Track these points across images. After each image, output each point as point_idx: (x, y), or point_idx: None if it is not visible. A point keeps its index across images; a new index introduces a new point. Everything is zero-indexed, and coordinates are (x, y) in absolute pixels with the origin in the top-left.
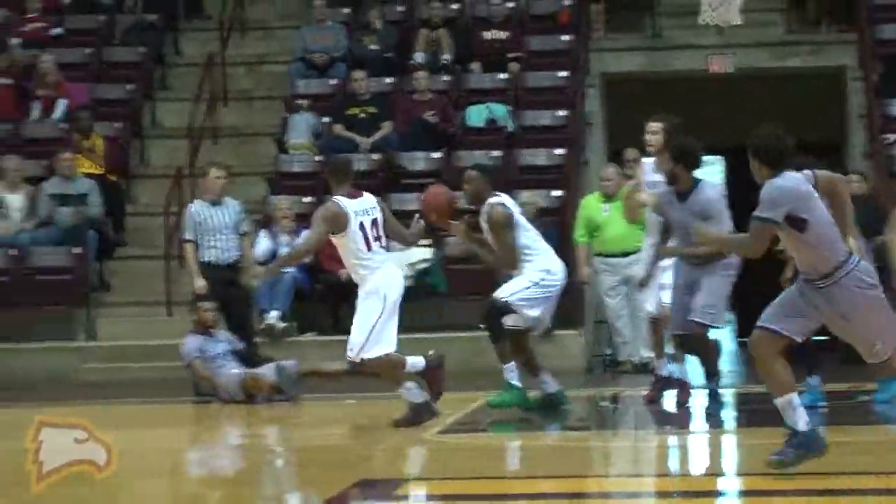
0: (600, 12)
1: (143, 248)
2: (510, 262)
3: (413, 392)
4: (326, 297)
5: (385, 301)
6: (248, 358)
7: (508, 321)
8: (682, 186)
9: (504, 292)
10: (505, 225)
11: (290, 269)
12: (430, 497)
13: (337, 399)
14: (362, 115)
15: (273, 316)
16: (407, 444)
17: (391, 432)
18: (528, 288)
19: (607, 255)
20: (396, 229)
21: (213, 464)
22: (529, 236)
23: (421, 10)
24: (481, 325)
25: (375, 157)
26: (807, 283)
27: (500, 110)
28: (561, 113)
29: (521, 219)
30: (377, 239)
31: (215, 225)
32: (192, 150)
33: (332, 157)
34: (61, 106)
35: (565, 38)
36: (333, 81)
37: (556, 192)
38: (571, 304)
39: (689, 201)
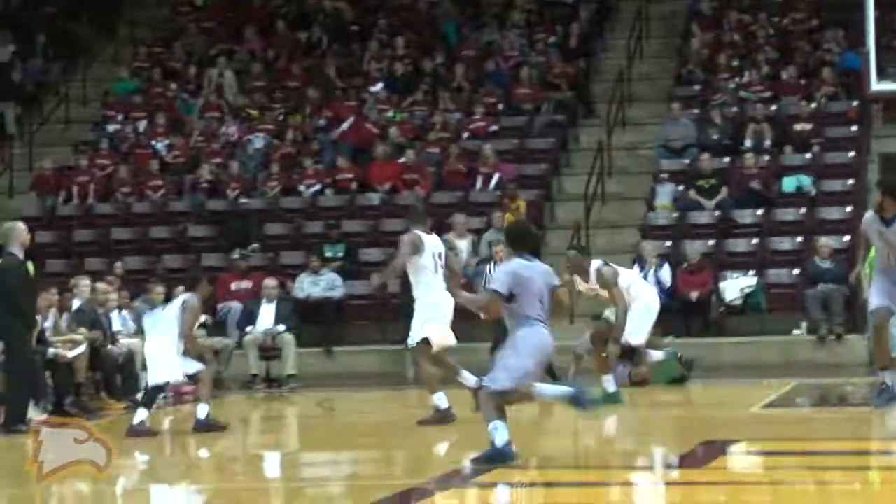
0: (879, 109)
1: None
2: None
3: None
4: None
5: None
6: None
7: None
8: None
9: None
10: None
11: None
12: (762, 453)
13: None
14: (707, 185)
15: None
16: (739, 416)
17: (726, 408)
18: None
19: None
20: None
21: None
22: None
23: (748, 109)
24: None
25: (717, 213)
26: None
27: (805, 180)
28: (850, 181)
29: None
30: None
31: None
32: (586, 210)
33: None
34: (496, 179)
35: (853, 128)
36: (686, 161)
37: (846, 238)
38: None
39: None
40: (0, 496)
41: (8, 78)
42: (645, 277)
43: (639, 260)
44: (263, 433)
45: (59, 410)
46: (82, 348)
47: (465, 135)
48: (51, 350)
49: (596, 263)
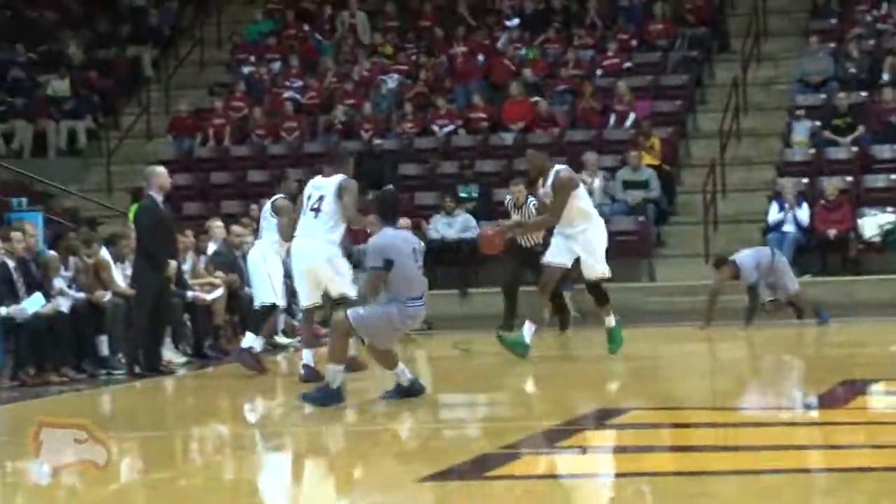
0: None
1: (687, 216)
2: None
3: None
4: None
5: None
6: None
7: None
8: None
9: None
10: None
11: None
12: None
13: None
14: (843, 124)
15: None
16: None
17: (865, 346)
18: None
19: None
20: None
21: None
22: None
23: (886, 42)
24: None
25: (854, 149)
26: None
27: None
28: None
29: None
30: None
31: None
32: (721, 147)
33: None
34: (631, 117)
35: None
36: (823, 96)
37: None
38: None
39: None
40: (135, 440)
41: (144, 22)
42: (783, 215)
43: (777, 197)
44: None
45: (199, 353)
46: (220, 291)
47: (599, 72)
48: (189, 293)
49: (558, 166)
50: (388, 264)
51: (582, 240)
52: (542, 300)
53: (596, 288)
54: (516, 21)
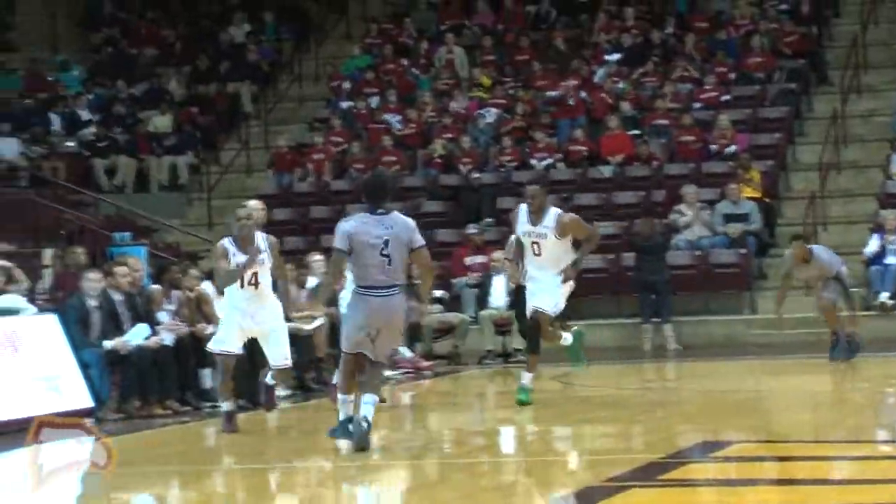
0: None
1: (788, 248)
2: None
3: None
4: None
5: None
6: None
7: None
8: None
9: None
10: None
11: None
12: None
13: None
14: None
15: (884, 296)
16: None
17: None
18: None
19: None
20: None
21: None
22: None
23: None
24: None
25: None
26: None
27: None
28: None
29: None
30: None
31: None
32: (821, 179)
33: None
34: (731, 149)
35: None
36: None
37: None
38: None
39: None
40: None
41: (243, 58)
42: (884, 247)
43: (878, 230)
44: (500, 407)
45: (301, 386)
46: (320, 321)
47: (697, 105)
48: (289, 324)
49: (558, 209)
50: (348, 250)
51: (556, 282)
52: (553, 344)
53: (537, 329)
54: (616, 56)
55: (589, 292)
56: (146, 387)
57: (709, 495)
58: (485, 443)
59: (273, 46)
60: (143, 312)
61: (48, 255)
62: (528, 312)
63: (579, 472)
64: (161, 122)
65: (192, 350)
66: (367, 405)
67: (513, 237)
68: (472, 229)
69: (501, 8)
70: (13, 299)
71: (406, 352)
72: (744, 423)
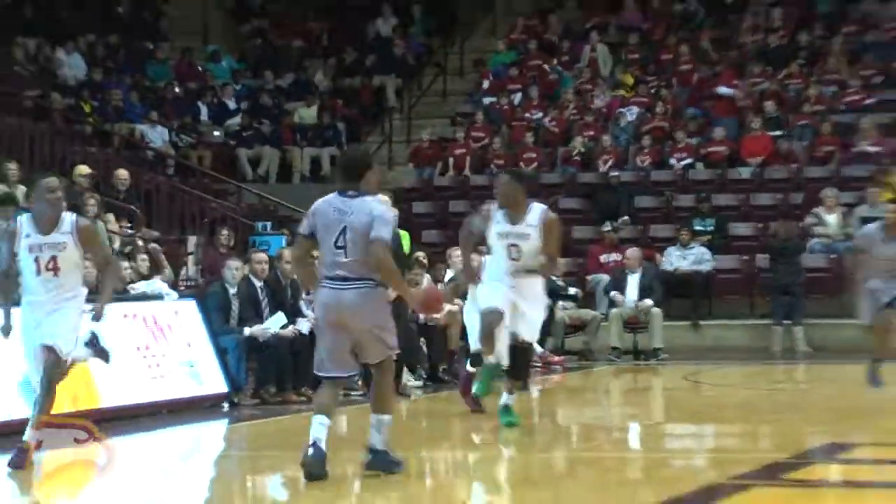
0: None
1: None
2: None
3: None
4: None
5: None
6: None
7: None
8: None
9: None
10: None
11: None
12: None
13: None
14: None
15: None
16: None
17: None
18: None
19: None
20: None
21: None
22: None
23: None
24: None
25: None
26: None
27: None
28: None
29: None
30: None
31: None
32: None
33: None
34: (872, 151)
35: None
36: None
37: None
38: None
39: None
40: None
41: (389, 52)
42: None
43: None
44: (628, 404)
45: (434, 377)
46: (453, 311)
47: (841, 107)
48: (421, 316)
49: (541, 206)
50: (309, 233)
51: (539, 292)
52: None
53: (525, 355)
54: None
55: (722, 292)
56: (282, 374)
57: (829, 496)
58: (611, 438)
59: (420, 41)
60: (288, 301)
61: (192, 242)
62: (510, 338)
63: (704, 471)
64: (306, 113)
65: None
66: (373, 429)
67: (465, 231)
68: (607, 227)
69: (649, 6)
70: (157, 284)
71: (538, 347)
72: (872, 426)
